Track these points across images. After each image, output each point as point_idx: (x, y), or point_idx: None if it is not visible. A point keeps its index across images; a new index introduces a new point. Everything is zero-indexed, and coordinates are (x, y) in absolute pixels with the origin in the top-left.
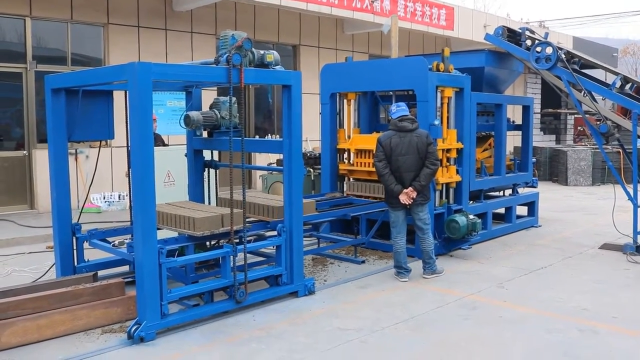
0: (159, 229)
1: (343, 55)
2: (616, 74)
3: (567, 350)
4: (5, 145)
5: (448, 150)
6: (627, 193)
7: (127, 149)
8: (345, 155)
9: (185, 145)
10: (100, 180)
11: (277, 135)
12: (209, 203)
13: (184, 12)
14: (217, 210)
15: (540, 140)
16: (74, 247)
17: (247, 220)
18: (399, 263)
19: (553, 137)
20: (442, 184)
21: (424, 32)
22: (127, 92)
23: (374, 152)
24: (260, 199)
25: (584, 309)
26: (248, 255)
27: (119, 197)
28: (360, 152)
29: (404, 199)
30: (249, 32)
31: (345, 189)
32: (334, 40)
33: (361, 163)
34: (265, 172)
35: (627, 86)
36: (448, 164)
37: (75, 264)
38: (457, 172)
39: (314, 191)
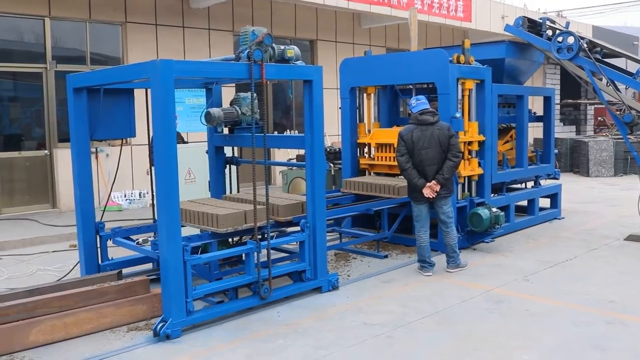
0: (182, 226)
1: (360, 50)
2: (639, 62)
3: (596, 343)
4: (26, 145)
5: (470, 143)
6: None
7: (149, 146)
8: (366, 150)
9: (206, 142)
10: (120, 178)
11: (296, 131)
12: None
13: (201, 10)
14: (239, 207)
15: (560, 131)
16: (98, 246)
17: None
18: (423, 257)
19: (573, 128)
20: (465, 177)
21: (442, 25)
22: (150, 89)
23: (396, 146)
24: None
25: (612, 301)
26: (271, 251)
27: (140, 194)
28: (380, 146)
29: (428, 192)
30: (266, 28)
31: (342, 188)
32: (351, 34)
33: (382, 157)
34: (285, 168)
35: None
36: (470, 156)
37: (100, 262)
38: (479, 164)
39: (334, 186)
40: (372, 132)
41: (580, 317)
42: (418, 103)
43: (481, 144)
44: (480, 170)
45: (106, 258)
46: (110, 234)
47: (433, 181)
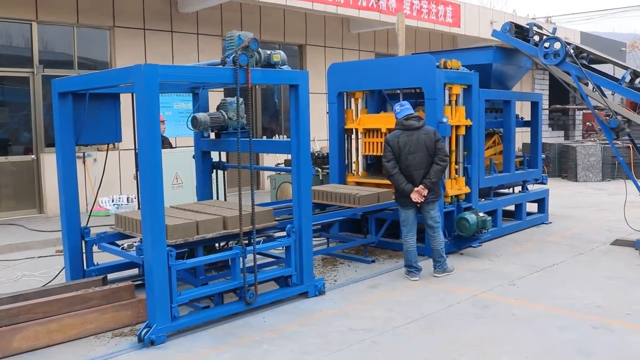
0: (133, 237)
1: (349, 55)
2: (625, 68)
3: (582, 348)
4: (13, 149)
5: (456, 147)
6: (639, 188)
7: (135, 151)
8: (354, 136)
9: (193, 147)
10: (108, 183)
11: (284, 136)
12: None
13: (190, 14)
14: (193, 217)
15: (549, 136)
16: (83, 251)
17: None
18: (410, 262)
19: (561, 133)
20: (451, 197)
21: (431, 30)
22: (134, 94)
23: (383, 152)
24: (225, 209)
25: (597, 306)
26: (257, 256)
27: (127, 199)
28: (368, 132)
29: (415, 197)
30: (254, 33)
31: None
32: (340, 39)
33: (370, 161)
34: (273, 173)
35: (637, 80)
36: (457, 175)
37: (85, 267)
38: (466, 183)
39: None
40: (360, 117)
41: (566, 321)
42: (402, 109)
43: (468, 148)
44: (467, 190)
45: (91, 263)
46: (96, 239)
47: (421, 185)
